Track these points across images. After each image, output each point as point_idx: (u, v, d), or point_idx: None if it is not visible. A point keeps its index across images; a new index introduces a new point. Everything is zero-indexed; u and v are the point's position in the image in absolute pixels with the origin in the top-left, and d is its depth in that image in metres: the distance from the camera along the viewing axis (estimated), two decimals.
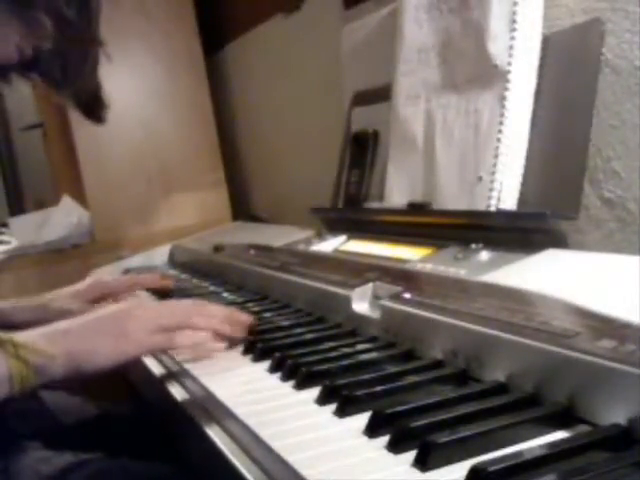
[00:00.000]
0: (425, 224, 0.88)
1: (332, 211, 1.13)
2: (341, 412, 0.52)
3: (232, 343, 0.72)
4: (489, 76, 0.82)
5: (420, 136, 0.93)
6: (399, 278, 0.74)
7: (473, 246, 0.76)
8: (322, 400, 0.55)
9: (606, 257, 0.67)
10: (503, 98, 0.80)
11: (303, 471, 0.42)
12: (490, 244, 0.75)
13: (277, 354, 0.66)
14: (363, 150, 1.07)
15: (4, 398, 0.59)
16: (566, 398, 0.47)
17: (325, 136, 1.32)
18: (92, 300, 0.97)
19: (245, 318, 0.75)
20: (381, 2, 1.08)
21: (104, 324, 0.66)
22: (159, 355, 0.77)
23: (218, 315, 0.72)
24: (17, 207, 2.75)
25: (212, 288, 1.10)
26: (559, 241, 0.73)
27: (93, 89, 0.73)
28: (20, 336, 0.62)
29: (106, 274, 1.34)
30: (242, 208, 1.84)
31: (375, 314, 0.71)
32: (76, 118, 1.59)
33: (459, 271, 0.70)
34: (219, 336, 0.71)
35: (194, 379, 0.65)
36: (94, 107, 0.75)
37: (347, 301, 0.75)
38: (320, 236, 1.06)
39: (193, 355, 0.70)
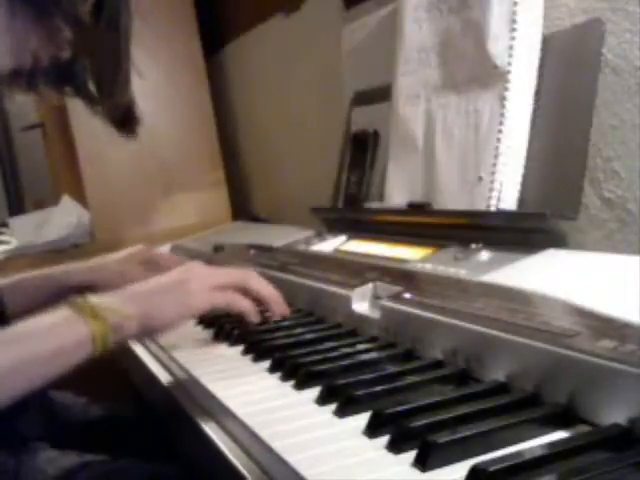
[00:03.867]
0: (425, 224, 0.88)
1: (332, 211, 1.13)
2: (341, 412, 0.52)
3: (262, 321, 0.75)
4: (489, 76, 0.82)
5: (420, 136, 0.93)
6: (399, 278, 0.74)
7: (473, 246, 0.76)
8: (322, 400, 0.55)
9: (606, 257, 0.67)
10: (503, 98, 0.80)
11: (303, 471, 0.43)
12: (490, 244, 0.75)
13: (277, 354, 0.66)
14: (363, 150, 1.07)
15: (89, 358, 0.61)
16: (566, 398, 0.47)
17: (325, 136, 1.32)
18: (142, 262, 0.95)
19: (284, 308, 0.77)
20: (381, 2, 1.08)
21: (169, 284, 0.70)
22: (159, 356, 0.77)
23: (268, 289, 0.75)
24: (17, 207, 2.75)
25: None
26: (559, 241, 0.73)
27: (126, 104, 0.74)
28: (94, 299, 0.64)
29: None
30: (242, 208, 1.84)
31: (375, 314, 0.71)
32: (76, 118, 1.62)
33: (459, 271, 0.70)
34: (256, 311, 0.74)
35: (195, 380, 0.65)
36: (127, 122, 0.76)
37: (347, 301, 0.75)
38: (320, 236, 1.06)
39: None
